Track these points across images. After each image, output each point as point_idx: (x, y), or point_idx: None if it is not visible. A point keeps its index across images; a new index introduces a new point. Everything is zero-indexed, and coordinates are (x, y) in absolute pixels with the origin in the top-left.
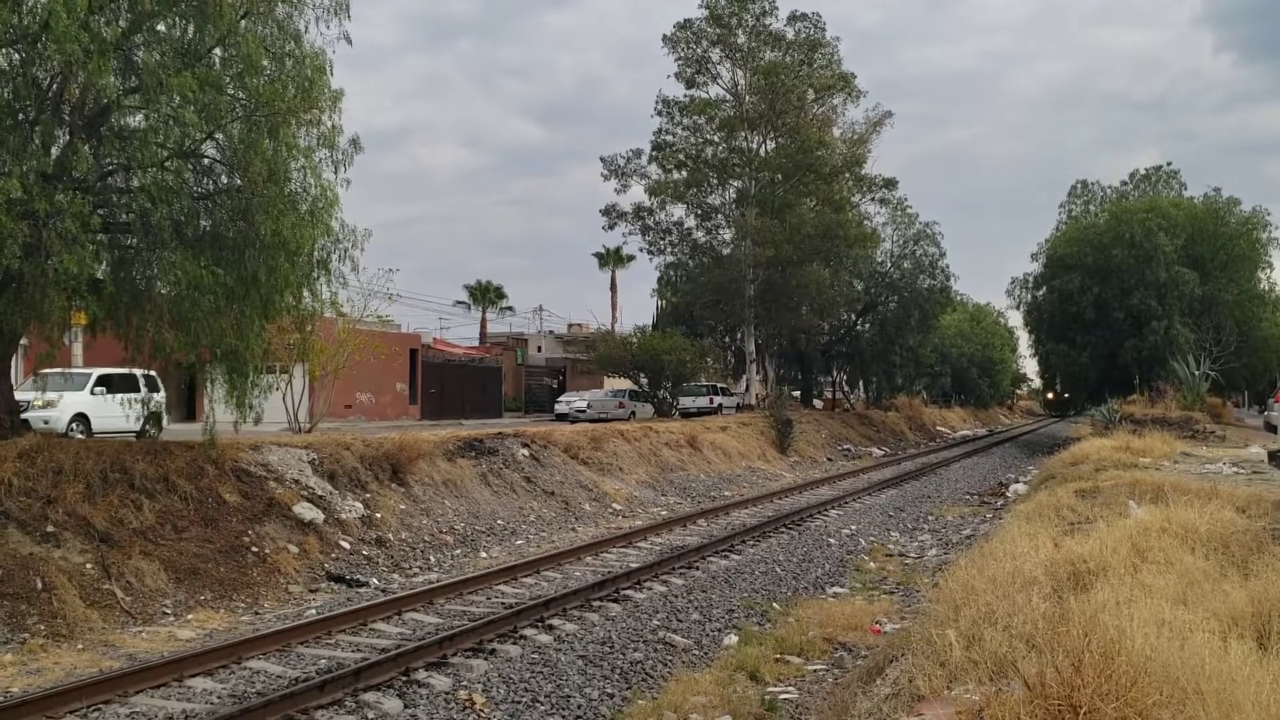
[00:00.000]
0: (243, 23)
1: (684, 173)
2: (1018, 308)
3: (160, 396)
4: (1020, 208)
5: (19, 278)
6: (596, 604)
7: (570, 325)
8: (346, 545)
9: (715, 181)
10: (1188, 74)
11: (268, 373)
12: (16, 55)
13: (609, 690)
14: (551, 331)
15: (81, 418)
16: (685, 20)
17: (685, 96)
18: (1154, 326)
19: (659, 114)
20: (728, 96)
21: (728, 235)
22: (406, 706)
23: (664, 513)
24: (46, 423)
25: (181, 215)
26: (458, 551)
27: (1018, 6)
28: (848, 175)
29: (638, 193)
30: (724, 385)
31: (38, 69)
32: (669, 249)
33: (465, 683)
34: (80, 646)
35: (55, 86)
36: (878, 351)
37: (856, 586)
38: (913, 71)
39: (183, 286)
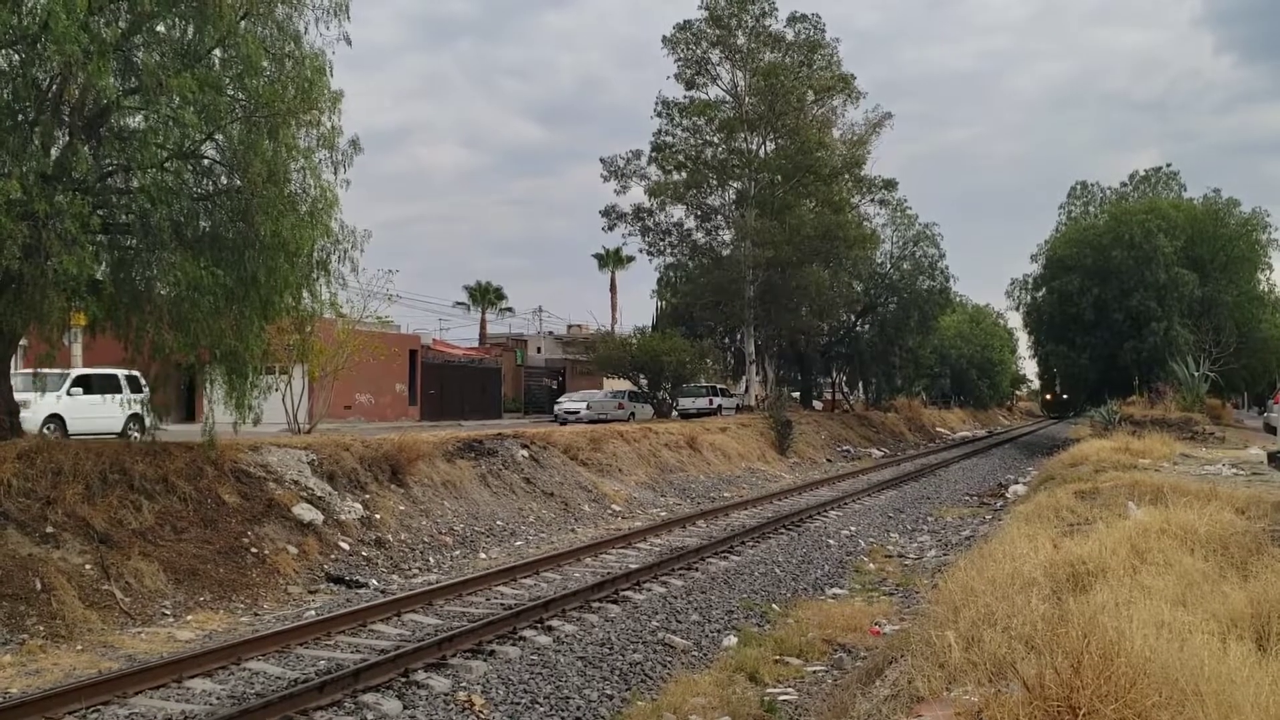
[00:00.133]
0: (242, 24)
1: (684, 174)
2: (1017, 309)
3: (143, 397)
4: (1020, 208)
5: (19, 278)
6: (596, 605)
7: (570, 326)
8: (346, 546)
9: (715, 182)
10: (1188, 74)
11: (267, 374)
12: (16, 56)
13: (608, 691)
14: (551, 332)
15: (56, 419)
16: (685, 21)
17: (685, 97)
18: (1153, 328)
19: (659, 115)
20: (727, 97)
21: (727, 236)
22: (406, 707)
23: (663, 514)
24: None
25: (181, 216)
26: (457, 552)
27: (1017, 6)
28: (847, 176)
29: (638, 194)
30: (723, 386)
31: (37, 70)
32: (669, 250)
33: (464, 684)
34: (79, 647)
35: (55, 87)
36: (877, 353)
37: (856, 588)
38: (913, 72)
39: (182, 287)
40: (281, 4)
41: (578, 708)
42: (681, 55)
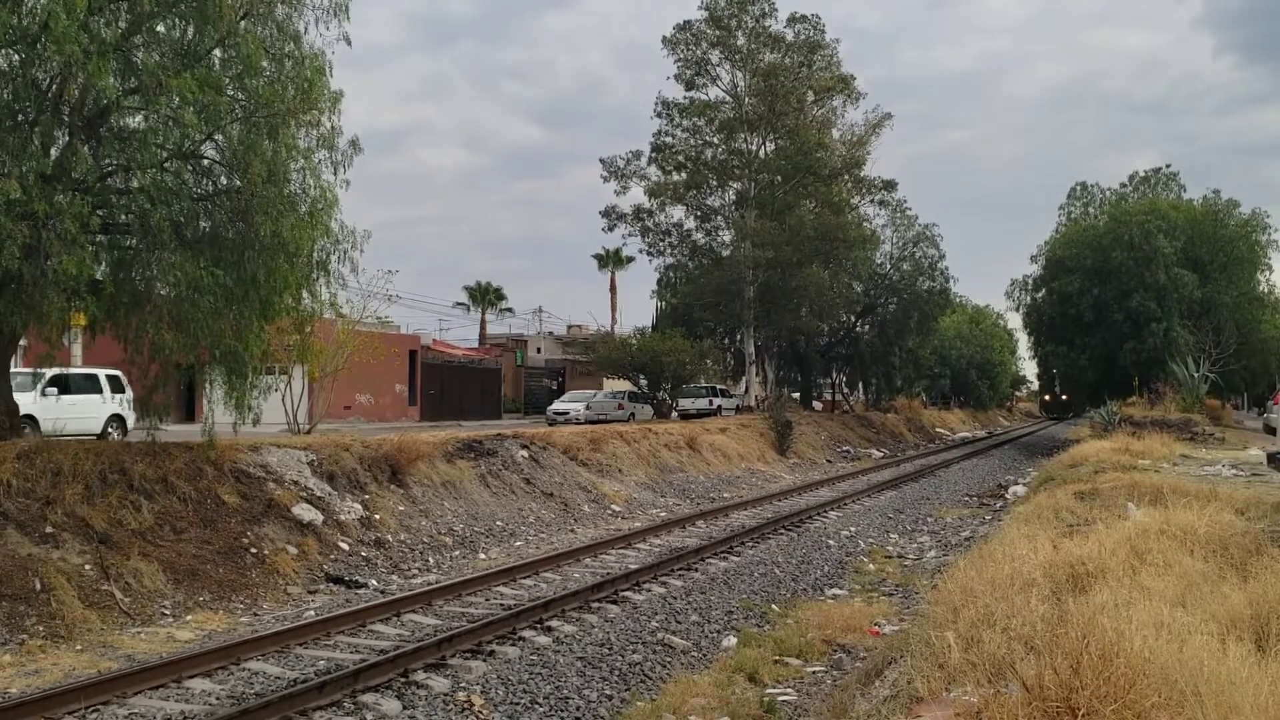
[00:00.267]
0: (242, 24)
1: (683, 174)
2: (1017, 310)
3: (125, 397)
4: (1020, 209)
5: (18, 278)
6: (595, 605)
7: (570, 327)
8: (345, 546)
9: (715, 183)
10: (1188, 76)
11: (267, 374)
12: (16, 56)
13: (608, 692)
14: (551, 333)
15: (29, 420)
16: (685, 22)
17: (685, 98)
18: (1153, 329)
19: (658, 115)
20: (727, 98)
21: (727, 237)
22: (405, 708)
23: (663, 514)
24: None
25: (181, 216)
26: (456, 553)
27: (1017, 8)
28: (847, 177)
29: (637, 194)
30: (723, 387)
31: (37, 70)
32: (668, 250)
33: (464, 684)
34: (79, 647)
35: (55, 87)
36: (877, 353)
37: (855, 588)
38: (913, 72)
39: (182, 288)
40: (281, 4)
41: (577, 708)
42: (681, 56)
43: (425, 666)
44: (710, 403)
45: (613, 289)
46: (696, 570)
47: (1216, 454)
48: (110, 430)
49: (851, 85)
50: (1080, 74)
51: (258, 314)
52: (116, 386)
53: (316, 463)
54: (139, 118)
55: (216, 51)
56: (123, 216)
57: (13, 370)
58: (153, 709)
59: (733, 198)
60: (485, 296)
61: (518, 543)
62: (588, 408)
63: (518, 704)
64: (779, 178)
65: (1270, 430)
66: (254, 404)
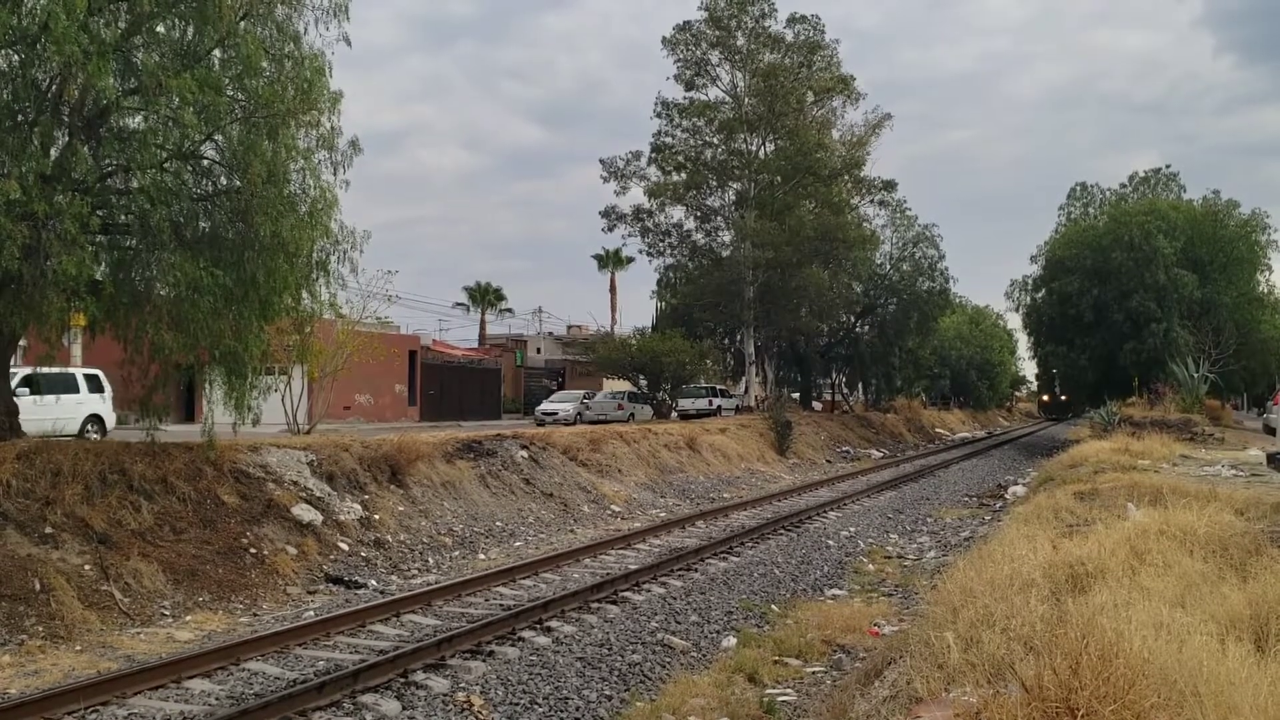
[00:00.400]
0: (242, 24)
1: (683, 175)
2: (1017, 310)
3: (103, 397)
4: (1020, 210)
5: (18, 279)
6: (595, 606)
7: (570, 327)
8: (345, 547)
9: (714, 183)
10: (1188, 76)
11: (266, 374)
12: (16, 56)
13: (607, 692)
14: (551, 333)
15: None
16: (685, 22)
17: (685, 98)
18: (1153, 329)
19: (658, 116)
20: (727, 98)
21: (727, 237)
22: (405, 708)
23: (663, 514)
24: None
25: (181, 217)
26: (456, 553)
27: (1017, 8)
28: (847, 177)
29: (637, 195)
30: (723, 387)
31: (37, 70)
32: (668, 251)
33: (463, 684)
34: (78, 648)
35: (54, 88)
36: (877, 354)
37: (855, 588)
38: (913, 73)
39: (182, 288)
40: (281, 4)
41: (577, 708)
42: (681, 56)
43: (425, 667)
44: (710, 403)
45: (612, 289)
46: (696, 571)
47: (1216, 454)
48: (88, 431)
49: (851, 86)
50: (1080, 74)
51: (257, 314)
52: (95, 386)
53: (316, 463)
54: (139, 118)
55: (216, 52)
56: (122, 217)
57: None
58: (152, 709)
59: (732, 198)
60: (485, 297)
61: (517, 543)
62: (588, 407)
63: (517, 704)
64: (779, 178)
65: (1270, 430)
66: (254, 404)
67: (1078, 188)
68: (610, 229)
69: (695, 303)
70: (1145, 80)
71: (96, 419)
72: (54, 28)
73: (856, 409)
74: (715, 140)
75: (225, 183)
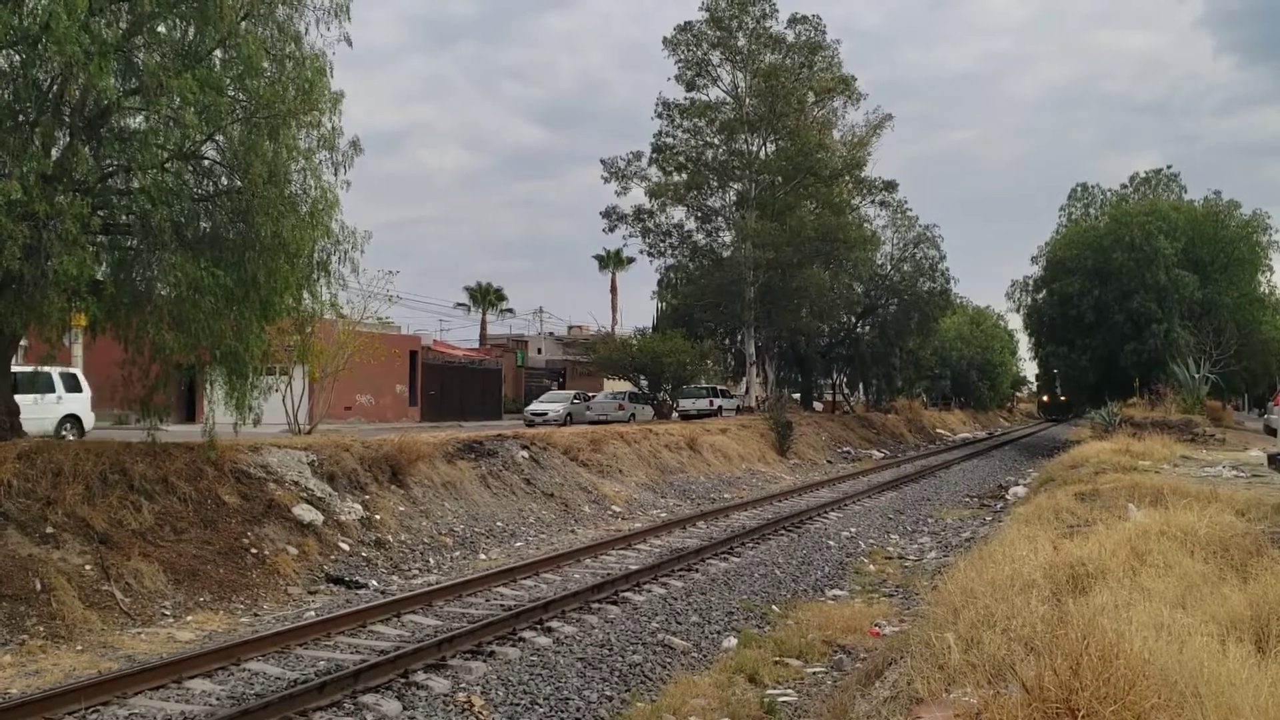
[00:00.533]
0: (243, 24)
1: (684, 175)
2: (1018, 310)
3: (81, 397)
4: (1021, 210)
5: (19, 279)
6: (595, 606)
7: (570, 327)
8: (346, 547)
9: (715, 184)
10: (1189, 76)
11: (267, 374)
12: (17, 57)
13: (608, 693)
14: (552, 333)
15: None
16: (685, 23)
17: (685, 99)
18: (1154, 330)
19: (659, 116)
20: (728, 99)
21: (728, 238)
22: (405, 708)
23: (663, 515)
24: None
25: (181, 217)
26: (457, 553)
27: (1019, 8)
28: (848, 178)
29: (638, 195)
30: (724, 388)
31: (38, 70)
32: (669, 251)
33: (464, 685)
34: (79, 648)
35: (55, 88)
36: (878, 354)
37: (856, 589)
38: (914, 73)
39: (183, 288)
40: (282, 5)
41: (577, 709)
42: (682, 57)
43: (425, 667)
44: (711, 403)
45: (613, 290)
46: (697, 571)
47: (1217, 455)
48: (65, 431)
49: (852, 86)
50: (1081, 75)
51: (258, 314)
52: (72, 386)
53: (317, 463)
54: (140, 118)
55: (217, 52)
56: (123, 217)
57: None
58: (153, 709)
59: (733, 198)
60: (486, 297)
61: (518, 543)
62: (575, 407)
63: (518, 705)
64: (779, 178)
65: (1271, 431)
66: (254, 404)
67: (1079, 188)
68: (611, 229)
69: (696, 303)
70: (1146, 81)
71: (74, 419)
72: (55, 28)
73: (857, 409)
74: (716, 141)
75: (226, 183)
